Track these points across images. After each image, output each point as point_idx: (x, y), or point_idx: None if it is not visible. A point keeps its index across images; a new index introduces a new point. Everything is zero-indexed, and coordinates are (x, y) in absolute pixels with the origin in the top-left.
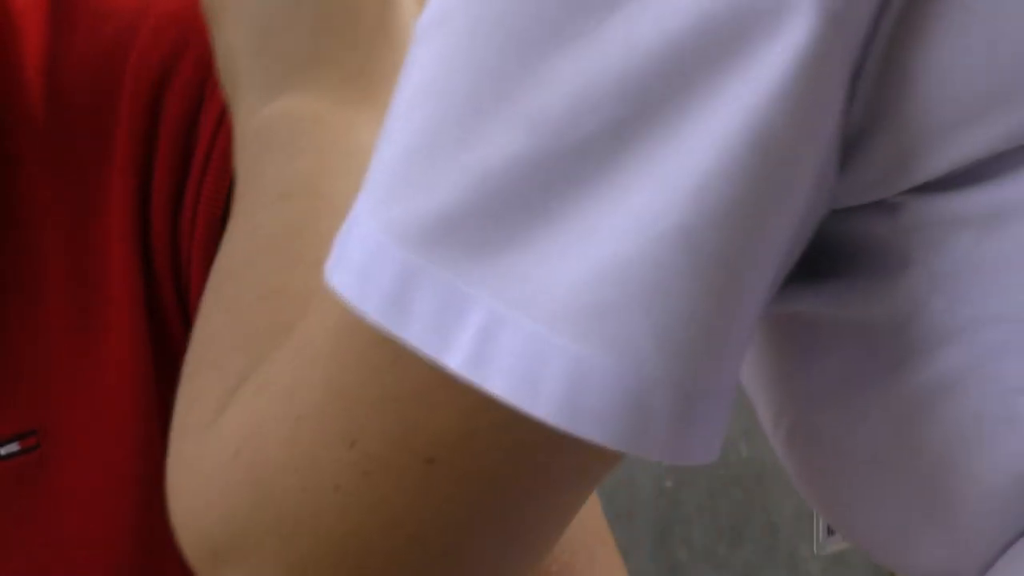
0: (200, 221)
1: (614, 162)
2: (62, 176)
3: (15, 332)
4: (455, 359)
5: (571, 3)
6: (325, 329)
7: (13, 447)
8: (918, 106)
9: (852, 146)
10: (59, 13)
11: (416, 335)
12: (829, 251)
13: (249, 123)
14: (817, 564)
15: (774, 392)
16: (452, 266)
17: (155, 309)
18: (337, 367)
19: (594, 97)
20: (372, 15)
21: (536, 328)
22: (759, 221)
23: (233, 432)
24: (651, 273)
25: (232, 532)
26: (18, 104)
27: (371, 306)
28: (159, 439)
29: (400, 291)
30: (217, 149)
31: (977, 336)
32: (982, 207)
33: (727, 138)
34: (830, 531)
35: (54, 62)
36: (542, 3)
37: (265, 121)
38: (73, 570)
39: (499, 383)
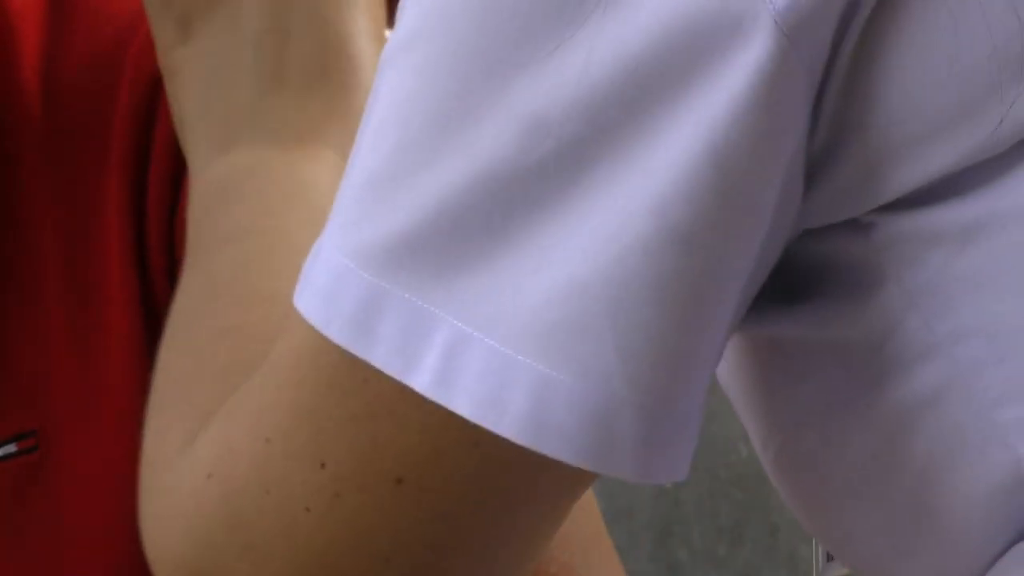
0: None
1: (574, 183)
2: (59, 176)
3: (13, 332)
4: (421, 380)
5: (530, 28)
6: (292, 353)
7: (11, 448)
8: (883, 123)
9: (818, 165)
10: (57, 14)
11: (381, 357)
12: (804, 273)
13: (197, 182)
14: (817, 565)
15: (761, 415)
16: (416, 288)
17: (152, 309)
18: (305, 389)
19: (553, 119)
20: (312, 62)
21: (500, 348)
22: (721, 241)
23: (205, 456)
24: (613, 293)
25: (206, 556)
26: (15, 104)
27: (336, 329)
28: None
29: (365, 313)
30: None
31: (953, 352)
32: (954, 224)
33: (687, 158)
34: (829, 557)
35: (51, 63)
36: (502, 29)
37: (211, 176)
38: (72, 571)
39: (465, 402)
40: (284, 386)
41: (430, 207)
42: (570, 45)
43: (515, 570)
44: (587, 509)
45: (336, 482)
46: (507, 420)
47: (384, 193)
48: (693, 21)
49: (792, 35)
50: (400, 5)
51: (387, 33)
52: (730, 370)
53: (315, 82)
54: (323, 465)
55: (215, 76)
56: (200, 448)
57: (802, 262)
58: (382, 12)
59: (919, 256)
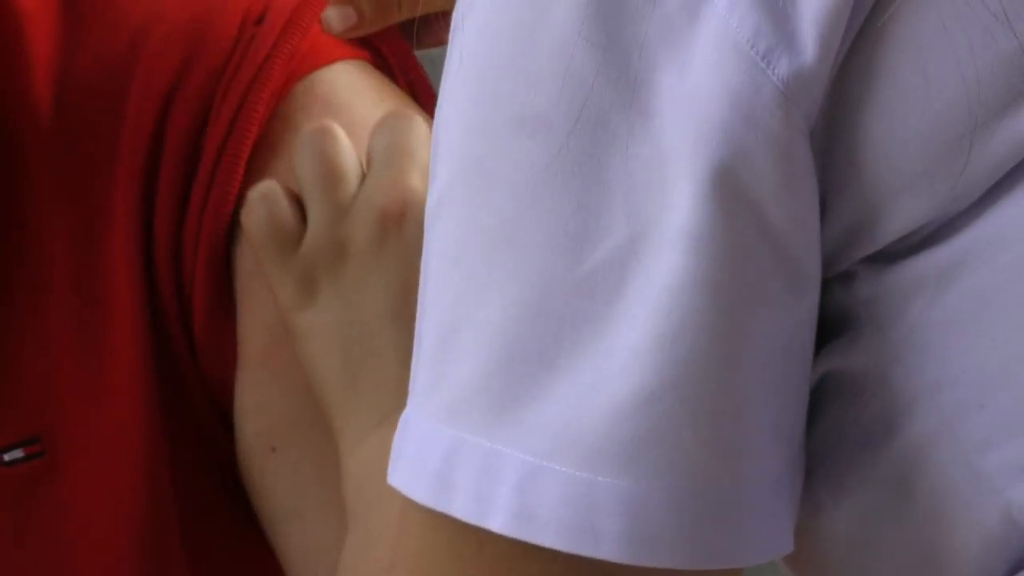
0: (204, 236)
1: (620, 292)
2: (68, 182)
3: (19, 338)
4: (496, 521)
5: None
6: (408, 541)
7: (18, 453)
8: (864, 181)
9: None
10: (69, 20)
11: (460, 507)
12: None
13: (353, 456)
14: None
15: None
16: (483, 430)
17: (158, 315)
18: (428, 569)
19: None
20: None
21: (575, 472)
22: (733, 327)
23: None
24: (682, 394)
25: None
26: (26, 109)
27: (421, 490)
28: (165, 446)
29: (445, 468)
30: (223, 165)
31: (935, 402)
32: (929, 270)
33: (673, 279)
34: None
35: (63, 69)
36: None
37: (367, 452)
38: (77, 575)
39: (551, 535)
40: (410, 571)
41: (486, 345)
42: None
43: None
44: None
45: None
46: (605, 544)
47: (450, 346)
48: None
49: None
50: (432, 157)
51: None
52: None
53: None
54: None
55: (354, 346)
56: None
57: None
58: None
59: (899, 306)
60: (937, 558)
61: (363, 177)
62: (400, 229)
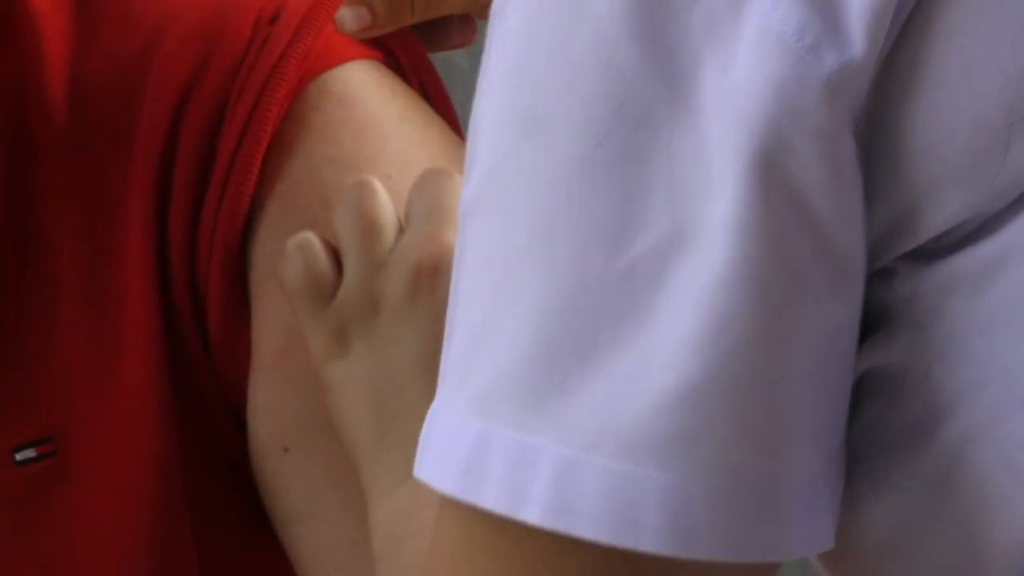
0: (219, 236)
1: (660, 284)
2: (81, 182)
3: (31, 338)
4: (531, 512)
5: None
6: (444, 537)
7: (30, 453)
8: (907, 175)
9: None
10: (82, 20)
11: (491, 499)
12: None
13: (380, 508)
14: None
15: None
16: (516, 423)
17: (171, 317)
18: (463, 566)
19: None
20: None
21: (614, 465)
22: (776, 321)
23: None
24: (728, 388)
25: None
26: (39, 109)
27: (449, 480)
28: (177, 446)
29: (474, 460)
30: (238, 165)
31: (976, 400)
32: (969, 268)
33: (717, 270)
34: None
35: (76, 69)
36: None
37: (395, 506)
38: (89, 575)
39: (590, 527)
40: (443, 570)
41: (521, 338)
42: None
43: None
44: None
45: None
46: (646, 535)
47: (482, 341)
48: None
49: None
50: (468, 148)
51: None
52: None
53: None
54: None
55: (385, 400)
56: None
57: None
58: None
59: (939, 305)
60: (977, 556)
61: (400, 231)
62: (433, 284)
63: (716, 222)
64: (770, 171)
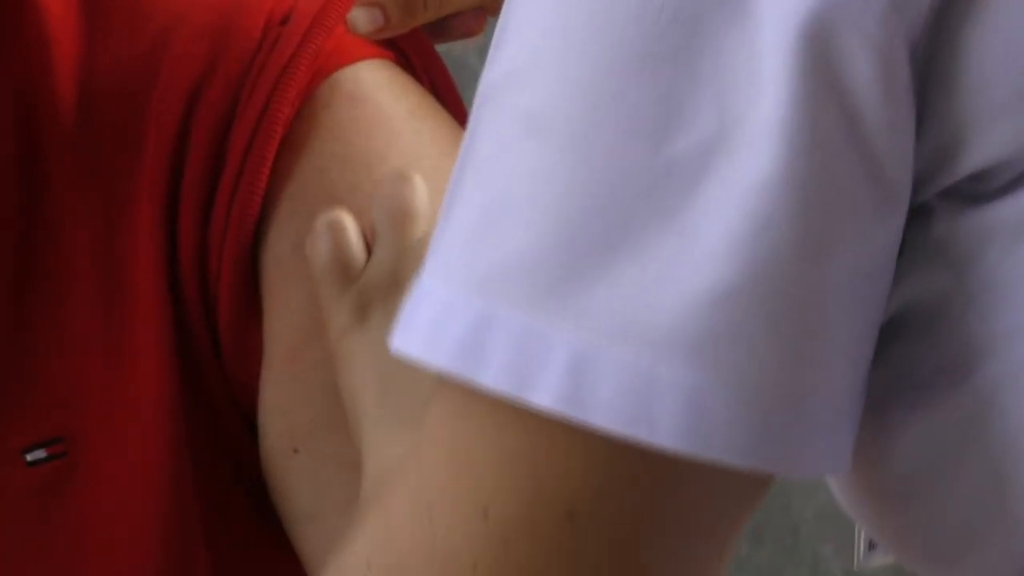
0: (230, 236)
1: (702, 179)
2: (91, 183)
3: (43, 339)
4: (542, 396)
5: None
6: (440, 413)
7: (40, 454)
8: (960, 102)
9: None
10: (92, 21)
11: (492, 377)
12: None
13: (376, 459)
14: (838, 565)
15: None
16: (528, 307)
17: (181, 317)
18: (459, 442)
19: (684, 115)
20: None
21: (636, 360)
22: (818, 234)
23: (363, 546)
24: (763, 293)
25: None
26: (49, 110)
27: (443, 357)
28: (186, 446)
29: (474, 338)
30: (249, 165)
31: (1012, 348)
32: (1008, 218)
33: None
34: (871, 545)
35: (86, 70)
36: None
37: (393, 454)
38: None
39: (602, 416)
40: (438, 445)
41: (542, 223)
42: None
43: None
44: None
45: (503, 528)
46: (661, 430)
47: (495, 222)
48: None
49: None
50: (497, 34)
51: None
52: None
53: None
54: (487, 513)
55: (394, 361)
56: (357, 540)
57: None
58: None
59: (976, 251)
60: (1001, 502)
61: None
62: None
63: (764, 123)
64: (823, 75)
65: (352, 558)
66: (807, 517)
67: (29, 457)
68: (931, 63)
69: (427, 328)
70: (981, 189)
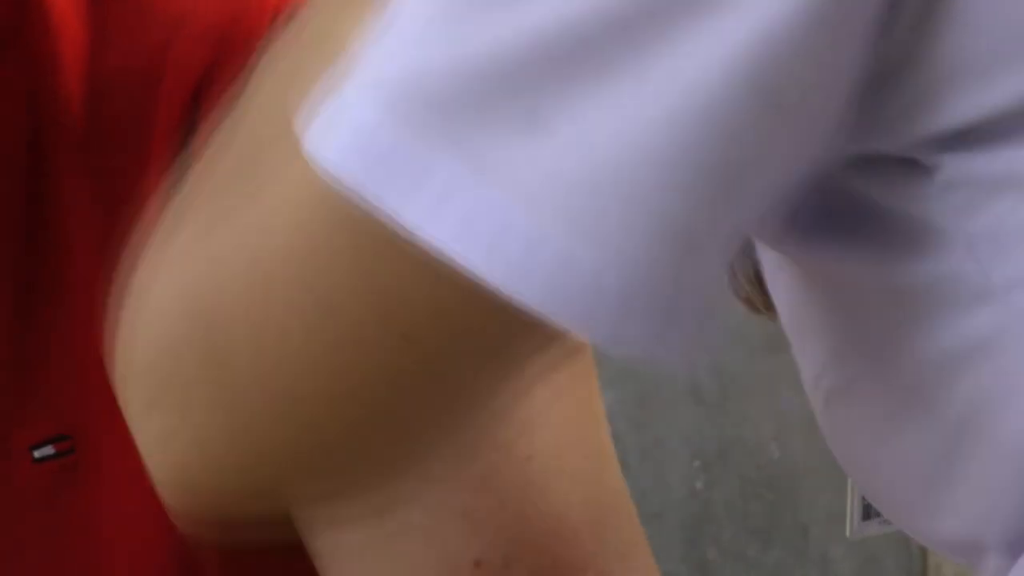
0: None
1: (615, 60)
2: (96, 183)
3: (50, 335)
4: (410, 213)
5: None
6: (302, 180)
7: (48, 450)
8: (954, 41)
9: (883, 80)
10: (99, 21)
11: (373, 183)
12: (867, 213)
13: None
14: (848, 565)
15: (817, 350)
16: (421, 129)
17: None
18: (315, 224)
19: None
20: None
21: (505, 202)
22: (761, 137)
23: (186, 267)
24: (642, 173)
25: (170, 369)
26: (55, 110)
27: (331, 154)
28: None
29: (367, 145)
30: None
31: (1008, 298)
32: (1019, 171)
33: (736, 51)
34: (866, 515)
35: (92, 70)
36: None
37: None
38: (108, 573)
39: (483, 263)
40: (285, 216)
41: (485, 52)
42: None
43: (475, 412)
44: (626, 515)
45: (335, 329)
46: (534, 291)
47: (439, 30)
48: None
49: None
50: None
51: None
52: (791, 305)
53: None
54: (311, 290)
55: None
56: (178, 251)
57: (865, 203)
58: None
59: (981, 202)
60: (976, 456)
61: None
62: None
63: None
64: None
65: (176, 273)
66: (817, 518)
67: (37, 454)
68: (923, 7)
69: (338, 133)
70: (986, 139)
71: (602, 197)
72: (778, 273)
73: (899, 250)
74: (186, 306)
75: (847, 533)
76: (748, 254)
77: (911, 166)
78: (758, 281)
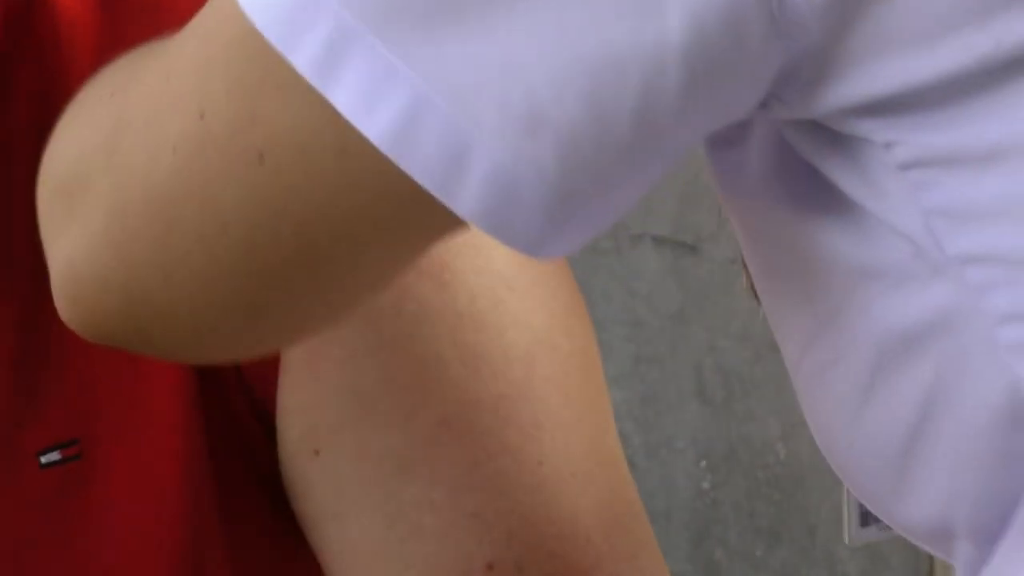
0: None
1: None
2: None
3: (60, 341)
4: (300, 59)
5: None
6: (218, 11)
7: (54, 456)
8: (881, 14)
9: (815, 51)
10: (109, 23)
11: (304, 60)
12: (828, 188)
13: None
14: (855, 565)
15: (794, 335)
16: (376, 29)
17: None
18: (212, 44)
19: None
20: None
21: (425, 85)
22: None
23: (116, 78)
24: (554, 85)
25: (78, 171)
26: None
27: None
28: (203, 450)
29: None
30: None
31: (963, 272)
32: (975, 147)
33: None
34: (864, 521)
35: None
36: None
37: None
38: None
39: (343, 98)
40: (197, 37)
41: None
42: None
43: (340, 299)
44: (636, 519)
45: (206, 136)
46: (464, 198)
47: None
48: None
49: None
50: None
51: None
52: (770, 294)
53: None
54: (202, 116)
55: None
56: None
57: (832, 186)
58: None
59: (938, 178)
60: (937, 439)
61: None
62: None
63: None
64: None
65: (102, 84)
66: (824, 518)
67: (43, 459)
68: None
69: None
70: (939, 114)
71: (514, 98)
72: (754, 259)
73: (862, 229)
74: (113, 106)
75: (845, 540)
76: None
77: (867, 145)
78: None
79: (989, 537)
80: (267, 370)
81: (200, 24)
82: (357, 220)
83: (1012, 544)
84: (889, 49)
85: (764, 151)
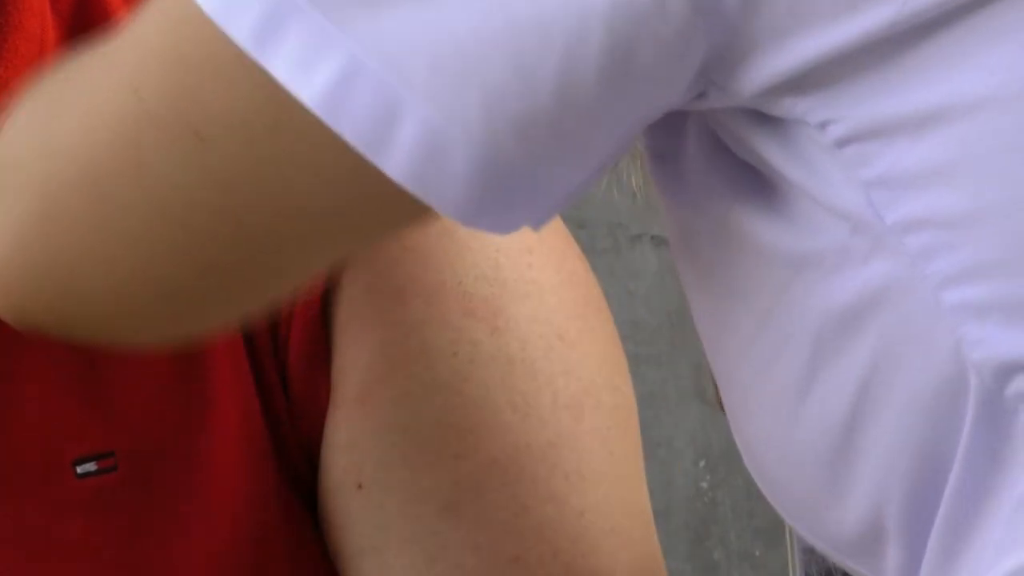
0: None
1: None
2: None
3: (106, 355)
4: (238, 30)
5: None
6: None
7: (90, 467)
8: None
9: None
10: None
11: (242, 31)
12: (765, 171)
13: None
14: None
15: (733, 335)
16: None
17: (253, 354)
18: (153, 24)
19: None
20: None
21: (350, 43)
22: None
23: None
24: (493, 58)
25: (11, 157)
26: None
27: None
28: (250, 482)
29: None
30: None
31: (904, 240)
32: (907, 115)
33: None
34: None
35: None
36: None
37: None
38: None
39: (281, 66)
40: (138, 20)
41: None
42: None
43: (283, 278)
44: (643, 519)
45: (142, 114)
46: (394, 159)
47: None
48: None
49: None
50: None
51: None
52: (707, 299)
53: None
54: (137, 92)
55: None
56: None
57: (771, 171)
58: None
59: (873, 150)
60: (874, 419)
61: None
62: None
63: None
64: None
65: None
66: None
67: (79, 470)
68: None
69: None
70: (868, 84)
71: (444, 58)
72: (692, 270)
73: (799, 219)
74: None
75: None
76: None
77: (803, 127)
78: None
79: (920, 531)
80: (316, 406)
81: (142, 9)
82: (295, 197)
83: (938, 546)
84: (803, 22)
85: (699, 156)
